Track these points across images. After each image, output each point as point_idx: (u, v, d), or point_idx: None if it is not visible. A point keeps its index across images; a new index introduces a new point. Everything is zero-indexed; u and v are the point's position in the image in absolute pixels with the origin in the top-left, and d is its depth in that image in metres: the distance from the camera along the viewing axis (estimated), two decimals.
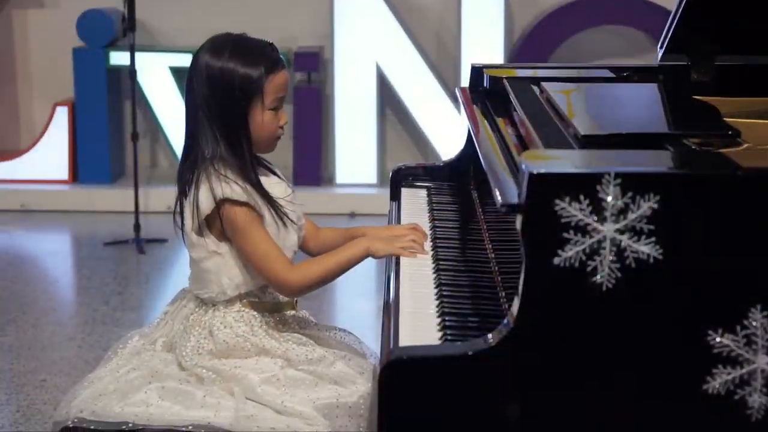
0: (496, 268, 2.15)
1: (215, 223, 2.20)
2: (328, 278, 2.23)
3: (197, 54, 2.22)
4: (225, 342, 2.19)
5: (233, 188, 2.16)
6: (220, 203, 2.16)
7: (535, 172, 1.61)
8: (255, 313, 2.24)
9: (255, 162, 2.23)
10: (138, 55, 5.34)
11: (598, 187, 1.60)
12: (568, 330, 1.64)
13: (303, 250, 2.38)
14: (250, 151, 2.21)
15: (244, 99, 2.18)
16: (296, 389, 2.14)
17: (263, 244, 2.17)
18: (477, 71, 2.78)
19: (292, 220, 2.25)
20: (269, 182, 2.25)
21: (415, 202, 2.70)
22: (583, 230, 1.61)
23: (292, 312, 2.31)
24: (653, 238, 1.61)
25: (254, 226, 2.17)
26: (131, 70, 5.23)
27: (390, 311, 1.99)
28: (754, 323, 1.64)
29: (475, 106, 2.62)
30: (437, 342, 1.83)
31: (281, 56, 2.25)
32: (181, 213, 2.26)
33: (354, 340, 2.37)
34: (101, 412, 2.12)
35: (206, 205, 2.17)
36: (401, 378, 1.66)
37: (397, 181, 2.83)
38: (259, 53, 2.20)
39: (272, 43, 2.26)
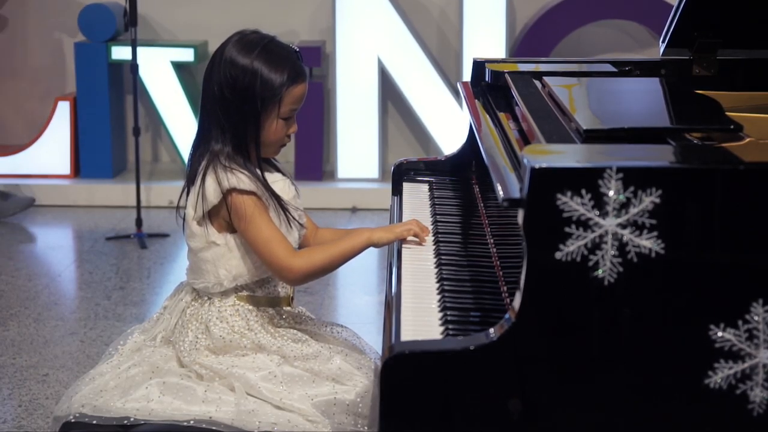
0: (498, 262, 2.15)
1: (219, 214, 2.20)
2: (330, 267, 2.24)
3: (223, 46, 2.22)
4: (222, 338, 2.20)
5: (240, 177, 2.17)
6: (227, 193, 2.16)
7: (536, 166, 1.61)
8: (250, 306, 2.24)
9: (261, 161, 2.23)
10: (140, 49, 5.34)
11: (600, 182, 1.60)
12: (570, 324, 1.64)
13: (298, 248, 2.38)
14: (257, 153, 2.21)
15: (261, 103, 2.17)
16: (294, 386, 2.14)
17: (267, 230, 2.18)
18: (479, 66, 2.78)
19: (295, 219, 2.26)
20: (271, 179, 2.25)
21: (417, 197, 2.69)
22: (584, 225, 1.61)
23: (288, 308, 2.31)
24: (655, 233, 1.61)
25: (260, 214, 2.18)
26: (133, 64, 5.22)
27: (391, 306, 1.99)
28: (755, 317, 1.64)
29: (476, 100, 2.62)
30: (439, 337, 1.83)
31: (304, 67, 2.25)
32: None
33: (352, 335, 2.37)
34: (102, 407, 2.12)
35: (213, 195, 2.17)
36: (403, 373, 1.66)
37: (399, 175, 2.83)
38: (285, 60, 2.20)
39: (299, 51, 2.25)
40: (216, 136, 2.20)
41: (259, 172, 2.21)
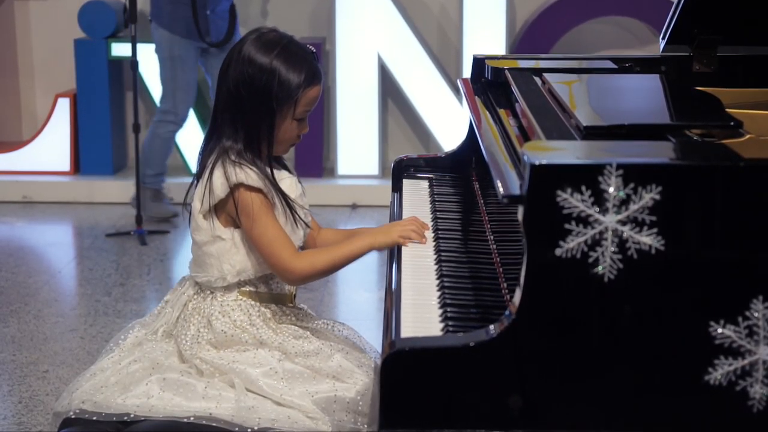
0: (498, 259, 2.15)
1: (225, 208, 2.20)
2: (332, 269, 2.25)
3: (241, 43, 2.21)
4: (223, 332, 2.20)
5: (248, 173, 2.17)
6: (235, 188, 2.17)
7: (537, 163, 1.61)
8: (252, 302, 2.24)
9: (271, 160, 2.23)
10: (139, 46, 5.33)
11: (600, 178, 1.60)
12: (570, 321, 1.64)
13: (302, 249, 2.38)
14: (269, 151, 2.21)
15: (277, 103, 2.18)
16: (294, 382, 2.14)
17: (272, 229, 2.18)
18: (479, 62, 2.78)
19: (302, 219, 2.26)
20: (279, 177, 2.25)
21: (417, 194, 2.69)
22: (584, 221, 1.61)
23: (290, 304, 2.31)
24: (655, 229, 1.61)
25: (266, 213, 2.18)
26: (133, 61, 5.22)
27: (391, 302, 1.99)
28: (755, 314, 1.64)
29: (476, 97, 2.62)
30: (439, 333, 1.83)
31: (320, 69, 2.25)
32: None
33: (353, 333, 2.37)
34: (103, 404, 2.12)
35: (221, 189, 2.18)
36: (403, 369, 1.66)
37: (399, 172, 2.83)
38: (303, 62, 2.20)
39: (315, 53, 2.25)
40: (228, 134, 2.20)
41: (268, 170, 2.21)
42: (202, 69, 5.48)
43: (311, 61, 2.22)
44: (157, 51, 5.38)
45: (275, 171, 2.25)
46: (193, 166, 5.50)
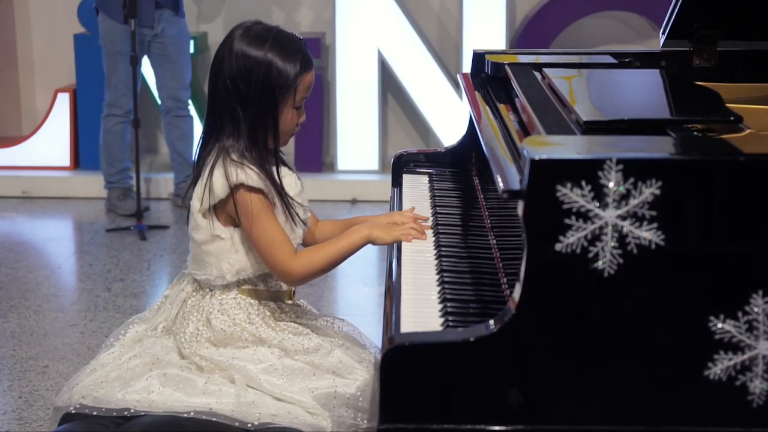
0: (498, 254, 2.15)
1: (225, 208, 2.20)
2: (330, 266, 2.24)
3: (230, 40, 2.20)
4: (222, 330, 2.20)
5: (248, 174, 2.16)
6: (235, 188, 2.16)
7: (536, 158, 1.61)
8: (252, 300, 2.24)
9: (275, 155, 2.23)
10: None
11: (600, 173, 1.60)
12: (570, 316, 1.64)
13: (301, 243, 2.38)
14: (274, 145, 2.21)
15: (278, 94, 2.17)
16: (294, 379, 2.14)
17: (271, 231, 2.17)
18: (479, 57, 2.78)
19: (301, 219, 2.26)
20: (280, 173, 2.25)
21: (417, 189, 2.69)
22: (584, 216, 1.61)
23: (290, 301, 2.31)
24: (655, 224, 1.61)
25: (265, 214, 2.17)
26: (132, 56, 5.21)
27: (391, 297, 1.99)
28: (755, 309, 1.64)
29: (476, 92, 2.62)
30: (439, 328, 1.83)
31: (311, 54, 2.25)
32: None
33: (353, 329, 2.37)
34: (103, 399, 2.12)
35: (221, 190, 2.17)
36: (403, 364, 1.66)
37: (399, 167, 2.83)
38: (296, 49, 2.20)
39: (302, 39, 2.25)
40: (229, 132, 2.19)
41: (274, 168, 2.20)
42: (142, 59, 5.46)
43: (302, 48, 2.22)
44: (103, 41, 5.41)
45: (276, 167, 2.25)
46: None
